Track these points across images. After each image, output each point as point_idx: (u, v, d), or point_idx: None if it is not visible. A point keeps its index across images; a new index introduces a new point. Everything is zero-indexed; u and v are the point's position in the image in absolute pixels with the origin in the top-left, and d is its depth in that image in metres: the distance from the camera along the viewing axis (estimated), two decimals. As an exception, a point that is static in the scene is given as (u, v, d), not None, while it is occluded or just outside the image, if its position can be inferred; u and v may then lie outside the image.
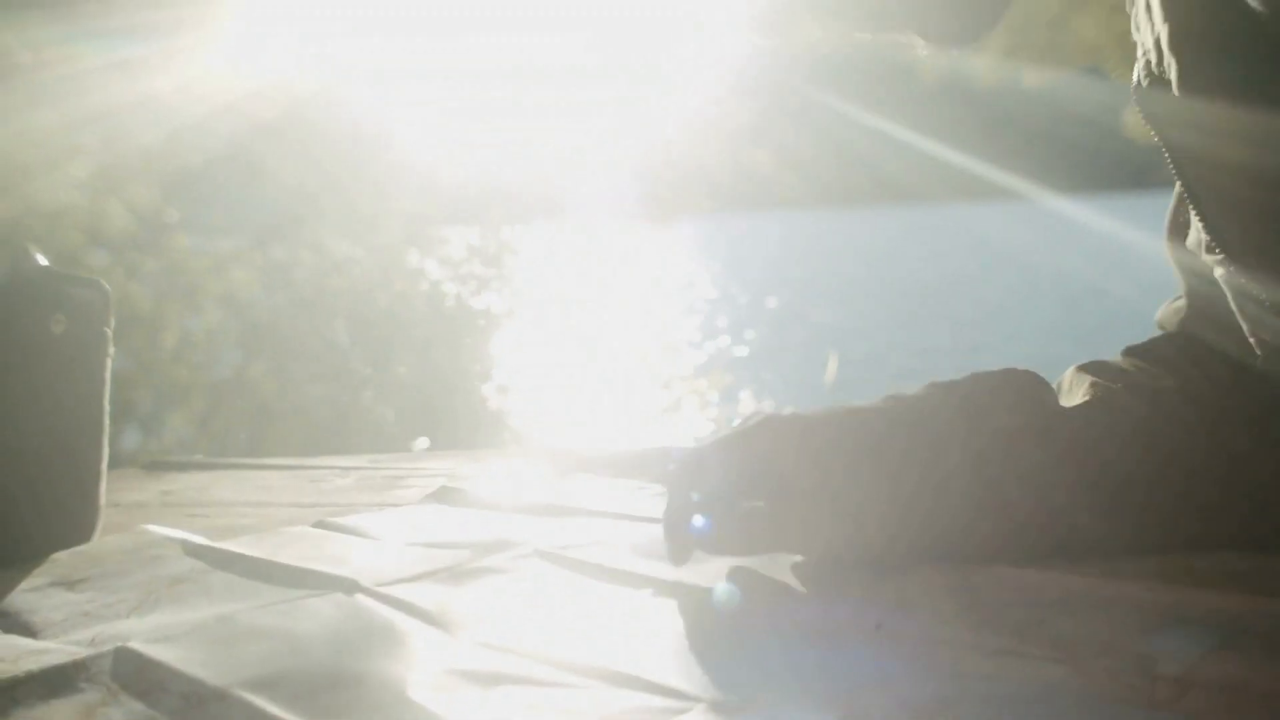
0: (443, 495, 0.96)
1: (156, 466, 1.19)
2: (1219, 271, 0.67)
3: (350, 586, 0.68)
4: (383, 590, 0.67)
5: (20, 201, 5.70)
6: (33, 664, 0.58)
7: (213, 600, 0.67)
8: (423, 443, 6.40)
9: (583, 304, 7.87)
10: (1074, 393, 0.72)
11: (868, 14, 0.63)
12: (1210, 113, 0.62)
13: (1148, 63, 0.67)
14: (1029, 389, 0.71)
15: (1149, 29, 0.66)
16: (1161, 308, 0.79)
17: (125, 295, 5.87)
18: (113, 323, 0.86)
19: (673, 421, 7.74)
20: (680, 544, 0.68)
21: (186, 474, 1.15)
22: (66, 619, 0.66)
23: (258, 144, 6.57)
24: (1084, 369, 0.75)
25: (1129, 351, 0.76)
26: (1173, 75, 0.64)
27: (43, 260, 0.84)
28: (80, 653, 0.59)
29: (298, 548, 0.79)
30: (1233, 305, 0.68)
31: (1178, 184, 0.70)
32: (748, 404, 9.83)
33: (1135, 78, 0.68)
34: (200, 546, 0.79)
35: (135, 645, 0.58)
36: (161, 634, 0.60)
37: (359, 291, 6.41)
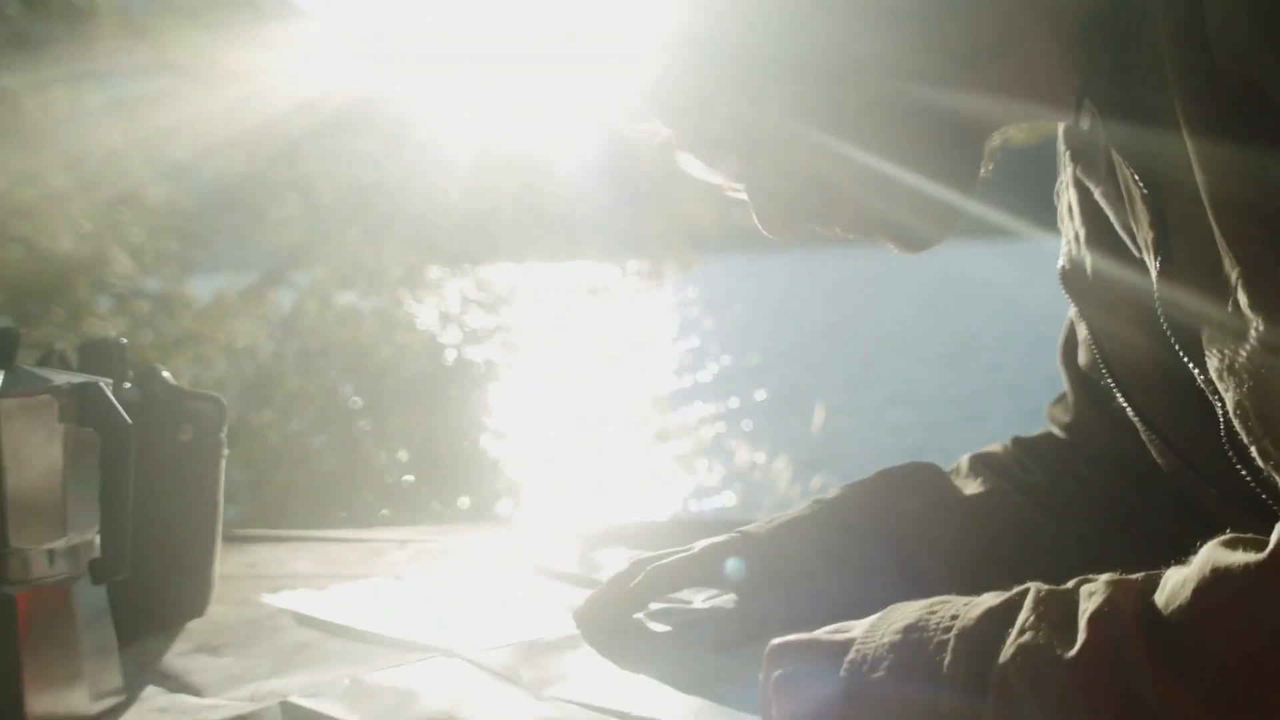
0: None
1: (234, 539, 1.36)
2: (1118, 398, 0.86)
3: (447, 652, 0.85)
4: (473, 656, 0.85)
5: (24, 246, 5.86)
6: (211, 715, 0.75)
7: (336, 664, 0.85)
8: (464, 502, 6.54)
9: (573, 353, 8.04)
10: (968, 480, 0.98)
11: (849, 224, 0.80)
12: (1115, 297, 0.81)
13: (1069, 252, 0.86)
14: (928, 478, 0.98)
15: (1070, 225, 0.85)
16: (1049, 404, 1.01)
17: (132, 343, 6.03)
18: (226, 428, 1.04)
19: (662, 476, 7.92)
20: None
21: (263, 546, 1.32)
22: (220, 680, 0.83)
23: (256, 184, 6.75)
24: (977, 458, 1.00)
25: (1016, 442, 1.02)
26: (1087, 266, 0.83)
27: (169, 378, 1.01)
28: (248, 707, 0.76)
29: (384, 606, 0.97)
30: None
31: (1071, 308, 0.90)
32: (742, 455, 10.02)
33: (1060, 262, 0.87)
34: (308, 616, 0.96)
35: (295, 699, 0.76)
36: (311, 690, 0.78)
37: (361, 343, 6.56)
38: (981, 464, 1.01)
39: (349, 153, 7.22)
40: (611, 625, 0.92)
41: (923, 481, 0.99)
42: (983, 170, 0.77)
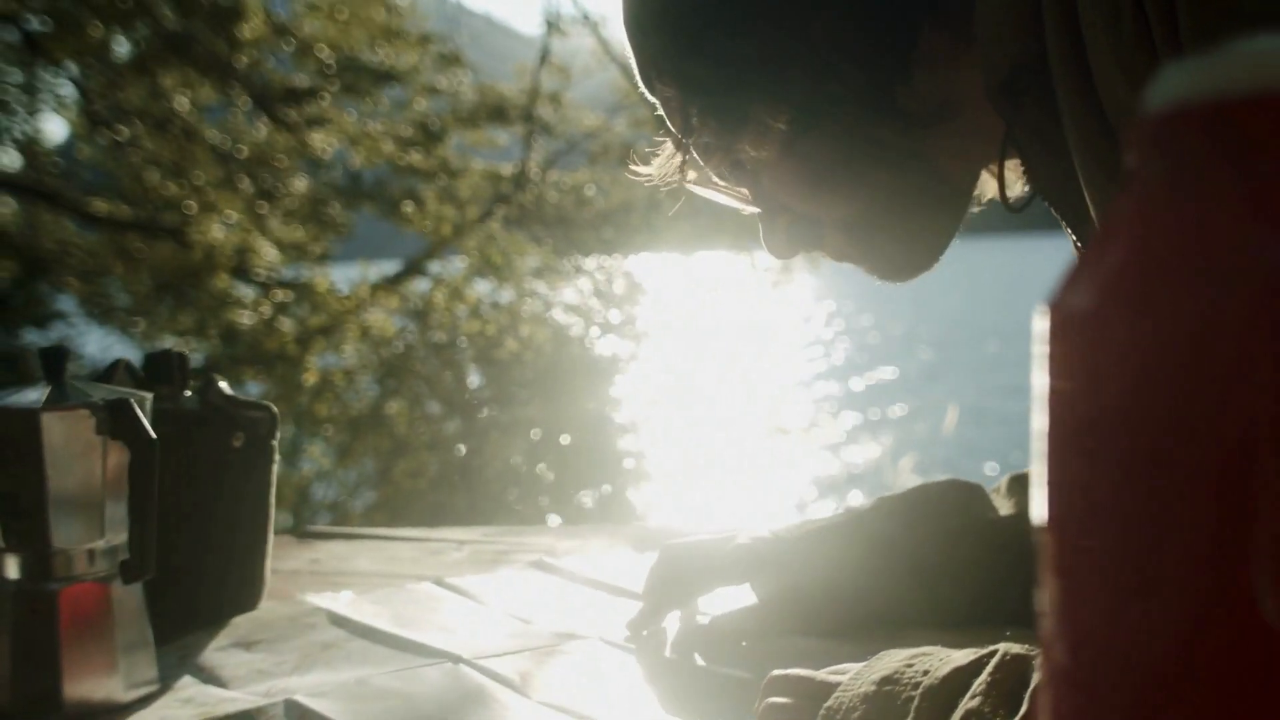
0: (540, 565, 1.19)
1: (306, 536, 1.43)
2: None
3: (455, 658, 0.90)
4: (480, 662, 0.89)
5: (172, 238, 6.15)
6: (228, 708, 0.81)
7: (353, 664, 0.90)
8: (554, 520, 6.66)
9: (699, 343, 8.06)
10: (1005, 500, 0.98)
11: (834, 254, 0.83)
12: None
13: None
14: (963, 498, 0.98)
15: None
16: None
17: (272, 332, 6.29)
18: (278, 436, 1.10)
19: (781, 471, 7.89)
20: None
21: (330, 543, 1.39)
22: (246, 674, 0.90)
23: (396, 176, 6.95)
24: (1015, 479, 0.96)
25: None
26: None
27: (226, 388, 1.08)
28: (259, 702, 0.82)
29: (418, 611, 1.02)
30: None
31: None
32: (870, 451, 9.93)
33: None
34: (342, 617, 1.02)
35: (299, 698, 0.81)
36: (317, 690, 0.83)
37: (489, 334, 6.70)
38: (1018, 484, 1.01)
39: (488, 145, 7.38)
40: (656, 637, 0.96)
41: (956, 501, 1.00)
42: (967, 211, 0.79)
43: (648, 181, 0.87)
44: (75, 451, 0.83)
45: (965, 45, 0.71)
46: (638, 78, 0.81)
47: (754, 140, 0.77)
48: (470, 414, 6.72)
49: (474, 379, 6.83)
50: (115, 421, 0.82)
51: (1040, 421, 0.29)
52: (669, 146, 0.84)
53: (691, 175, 0.87)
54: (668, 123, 0.84)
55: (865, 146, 0.75)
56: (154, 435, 0.82)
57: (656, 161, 0.86)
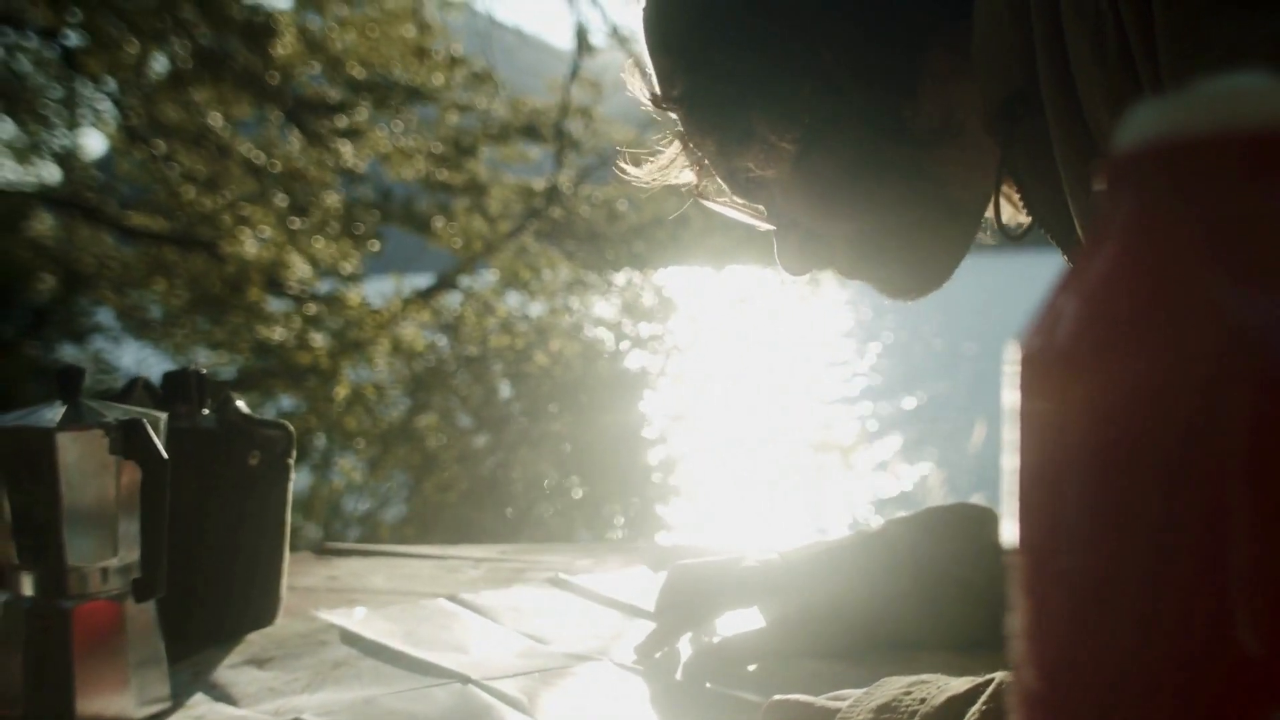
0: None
1: (325, 552, 1.44)
2: None
3: (464, 679, 0.90)
4: (488, 682, 0.89)
5: (207, 251, 6.21)
6: (235, 728, 0.82)
7: (363, 684, 0.90)
8: (583, 536, 6.68)
9: (730, 358, 8.06)
10: None
11: (844, 272, 0.83)
12: None
13: None
14: (972, 521, 0.97)
15: None
16: None
17: (303, 345, 6.35)
18: (294, 454, 1.11)
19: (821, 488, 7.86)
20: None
21: (348, 560, 1.40)
22: (257, 692, 0.90)
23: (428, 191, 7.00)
24: None
25: None
26: None
27: (243, 407, 1.09)
28: (268, 721, 0.82)
29: (430, 629, 1.03)
30: None
31: None
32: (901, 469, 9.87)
33: None
34: (354, 635, 1.02)
35: (306, 717, 0.82)
36: (325, 709, 0.83)
37: (519, 349, 6.73)
38: None
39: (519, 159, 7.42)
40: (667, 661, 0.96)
41: (966, 524, 0.99)
42: (976, 231, 0.79)
43: (635, 182, 0.87)
44: (89, 471, 0.84)
45: (969, 66, 0.71)
46: (651, 97, 0.82)
47: (762, 158, 0.77)
48: (500, 428, 6.74)
49: (504, 392, 6.85)
50: (128, 441, 0.83)
51: (1012, 445, 0.29)
52: (665, 155, 0.85)
53: (706, 191, 0.88)
54: (681, 141, 0.84)
55: (872, 164, 0.75)
56: (165, 455, 0.83)
57: (648, 167, 0.87)
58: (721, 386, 8.03)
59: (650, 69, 0.82)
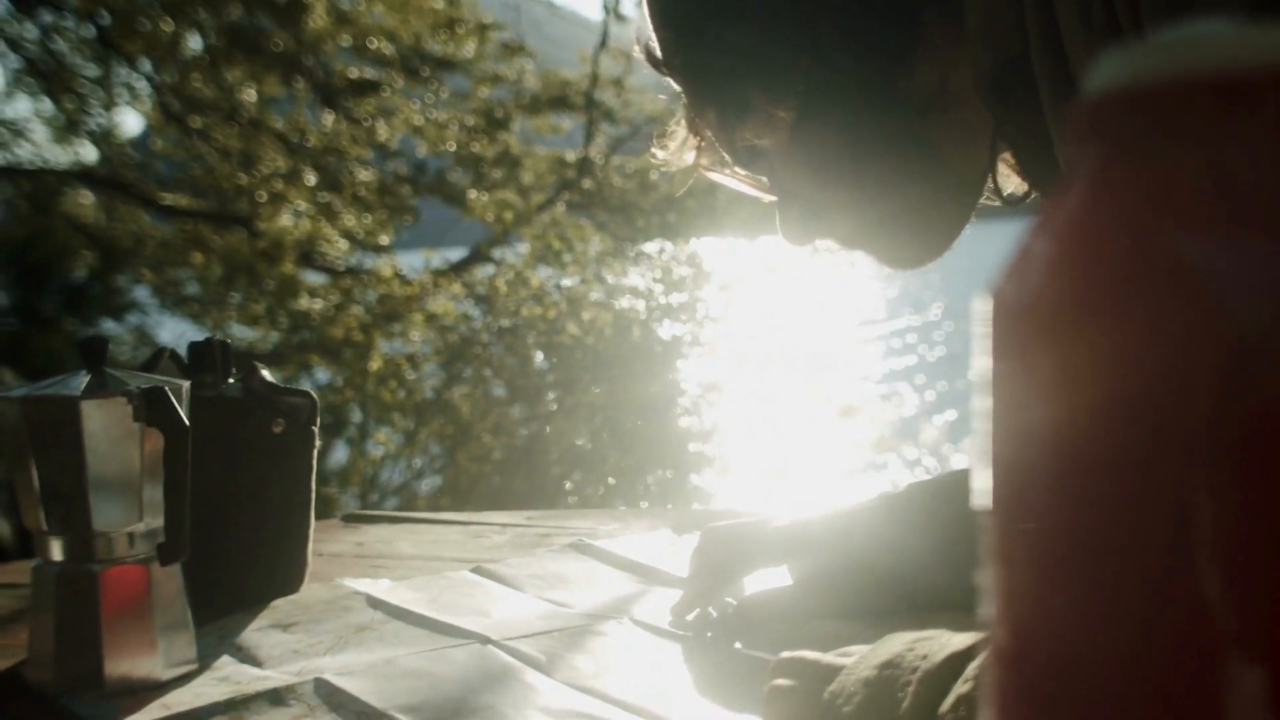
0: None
1: (353, 520, 1.46)
2: None
3: (484, 639, 0.92)
4: (508, 642, 0.91)
5: (243, 226, 6.27)
6: (260, 686, 0.83)
7: (385, 645, 0.92)
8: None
9: (764, 328, 8.04)
10: None
11: (842, 242, 0.83)
12: None
13: None
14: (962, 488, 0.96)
15: None
16: None
17: (339, 318, 6.39)
18: (319, 422, 1.13)
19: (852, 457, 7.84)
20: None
21: (376, 527, 1.42)
22: (281, 655, 0.92)
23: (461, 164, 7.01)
24: None
25: None
26: None
27: (268, 375, 1.10)
28: (291, 680, 0.84)
29: (454, 595, 1.04)
30: None
31: None
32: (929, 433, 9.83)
33: None
34: (379, 600, 1.04)
35: (328, 676, 0.83)
36: (346, 669, 0.85)
37: (551, 319, 6.75)
38: None
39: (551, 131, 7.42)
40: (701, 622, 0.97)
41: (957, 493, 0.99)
42: (976, 202, 0.79)
43: (663, 166, 0.88)
44: (113, 438, 0.85)
45: (964, 34, 0.71)
46: (653, 63, 0.83)
47: (760, 128, 0.77)
48: (534, 398, 6.77)
49: (539, 362, 6.88)
50: (151, 409, 0.85)
51: (981, 403, 0.29)
52: (681, 133, 0.85)
53: (708, 162, 0.88)
54: (685, 113, 0.85)
55: (869, 133, 0.75)
56: (187, 422, 0.85)
57: (671, 147, 0.87)
58: (755, 355, 8.02)
59: (654, 40, 0.82)
